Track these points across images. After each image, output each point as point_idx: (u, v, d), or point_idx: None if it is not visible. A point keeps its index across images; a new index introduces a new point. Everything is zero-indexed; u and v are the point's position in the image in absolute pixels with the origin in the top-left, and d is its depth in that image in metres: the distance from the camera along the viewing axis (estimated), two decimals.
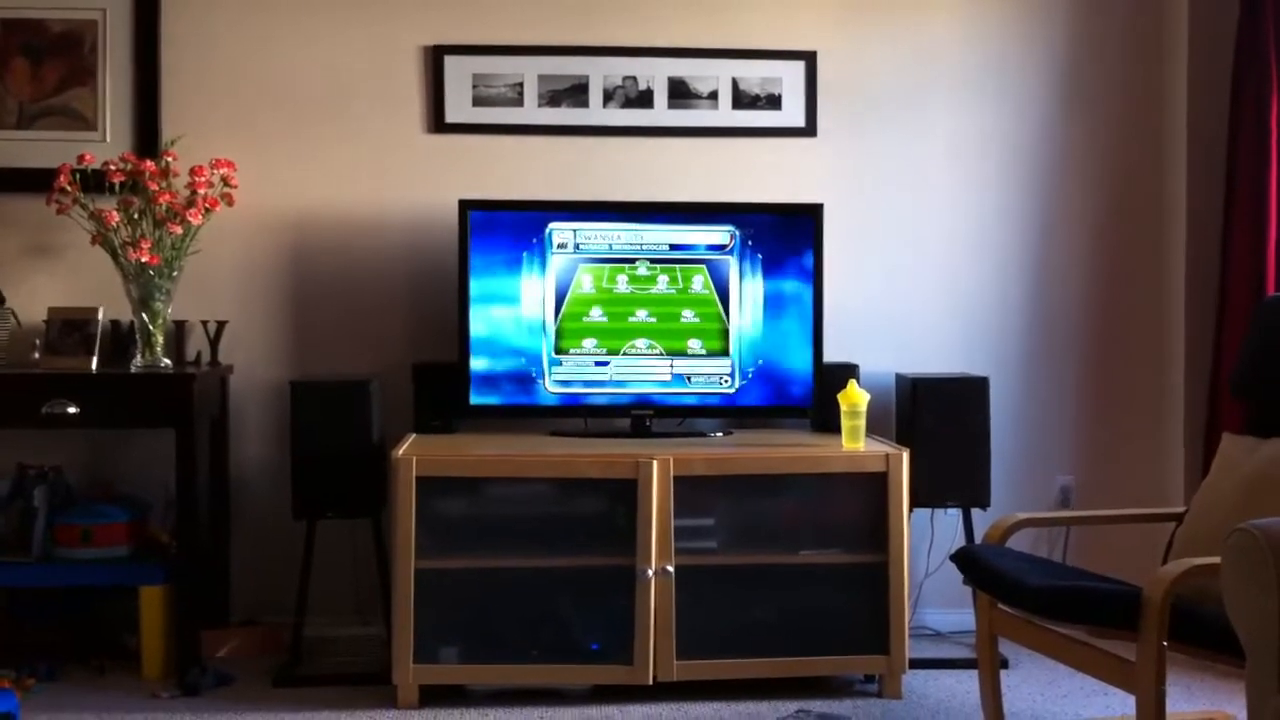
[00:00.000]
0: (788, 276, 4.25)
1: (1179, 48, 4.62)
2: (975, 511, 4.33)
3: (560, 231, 4.22)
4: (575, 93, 4.52)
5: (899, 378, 4.43)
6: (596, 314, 4.23)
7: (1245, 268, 4.36)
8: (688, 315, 4.25)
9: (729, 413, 4.34)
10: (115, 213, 4.08)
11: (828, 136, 4.59)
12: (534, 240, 4.21)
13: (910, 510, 3.98)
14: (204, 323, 4.36)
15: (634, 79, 4.54)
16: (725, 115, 4.57)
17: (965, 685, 4.00)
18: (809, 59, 4.57)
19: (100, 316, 4.17)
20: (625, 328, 4.23)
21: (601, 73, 4.53)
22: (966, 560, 3.51)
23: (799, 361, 4.26)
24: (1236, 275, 4.39)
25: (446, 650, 3.83)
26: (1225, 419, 4.22)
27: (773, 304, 4.26)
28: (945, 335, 4.63)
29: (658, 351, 4.24)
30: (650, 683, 3.80)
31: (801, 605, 3.91)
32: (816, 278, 4.25)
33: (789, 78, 4.57)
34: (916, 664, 4.08)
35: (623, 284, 4.24)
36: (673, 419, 4.32)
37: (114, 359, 4.24)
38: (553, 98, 4.52)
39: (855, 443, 3.98)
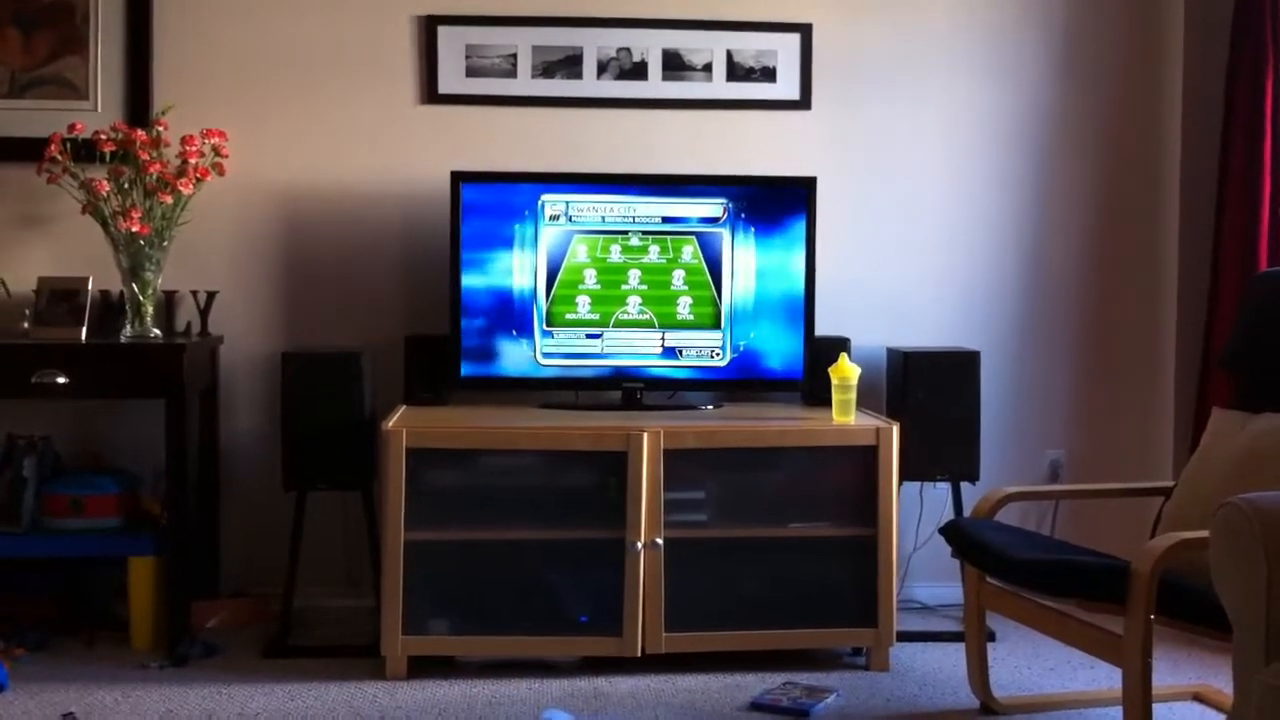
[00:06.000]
0: (780, 249, 4.24)
1: (1175, 21, 4.61)
2: (964, 485, 4.34)
3: (553, 203, 4.21)
4: (569, 64, 4.51)
5: (890, 351, 4.43)
6: (589, 286, 4.22)
7: (1238, 243, 4.36)
8: (679, 288, 4.24)
9: (720, 386, 4.33)
10: (106, 182, 4.06)
11: (822, 109, 4.58)
12: (526, 212, 4.20)
13: (900, 484, 3.99)
14: (194, 293, 4.35)
15: (628, 50, 4.52)
16: (719, 88, 4.55)
17: (952, 658, 4.01)
18: (804, 31, 4.55)
19: (90, 286, 4.16)
20: (617, 298, 4.22)
21: (595, 44, 4.51)
22: (955, 533, 3.52)
23: (790, 335, 4.25)
24: (1229, 250, 4.39)
25: (436, 622, 3.84)
26: (1215, 394, 4.23)
27: (764, 277, 4.25)
28: (937, 309, 4.63)
29: (649, 324, 4.24)
30: (639, 655, 3.81)
31: (790, 578, 3.92)
32: (809, 251, 4.24)
33: (784, 50, 4.56)
34: (904, 637, 4.10)
35: (615, 256, 4.23)
36: (663, 392, 4.33)
37: (103, 329, 4.22)
38: (546, 69, 4.50)
39: (845, 416, 3.98)
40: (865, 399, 4.19)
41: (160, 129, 4.16)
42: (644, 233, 4.24)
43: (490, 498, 3.93)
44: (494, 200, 4.20)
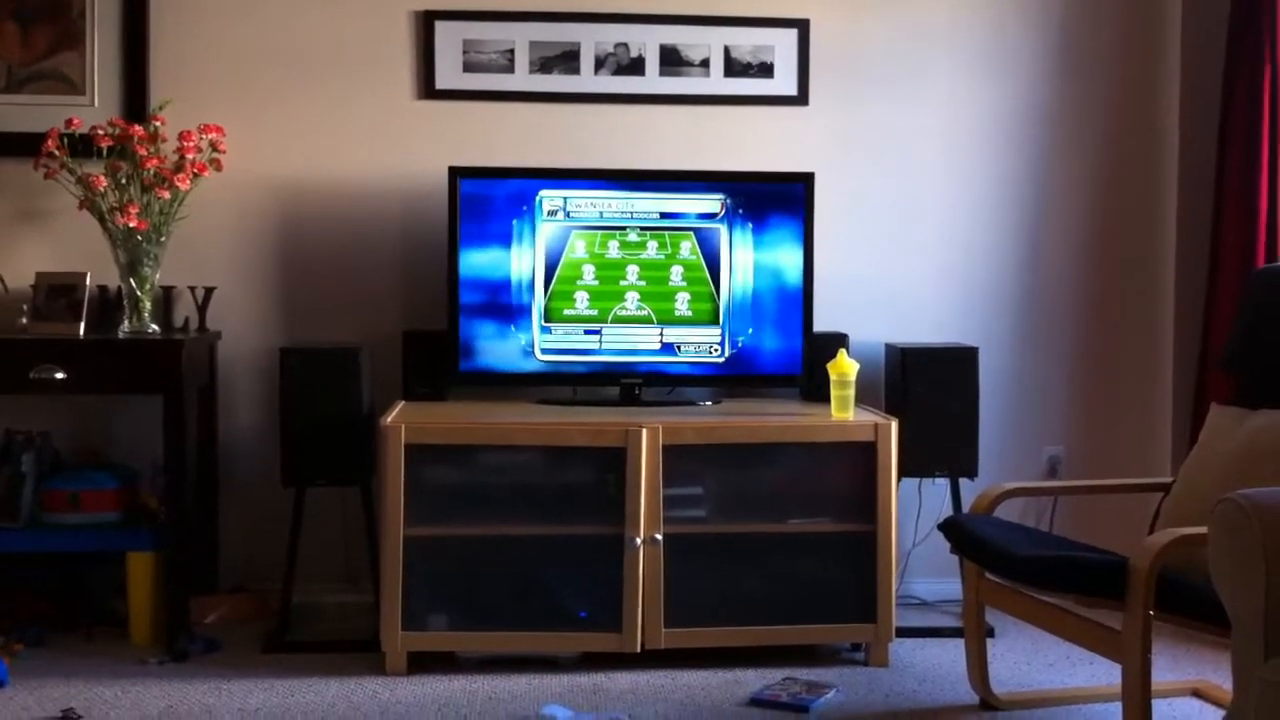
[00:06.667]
0: (778, 245, 4.24)
1: (1173, 20, 4.61)
2: (963, 481, 4.34)
3: (550, 199, 4.21)
4: (566, 59, 4.50)
5: (888, 347, 4.43)
6: (587, 282, 4.22)
7: (1236, 239, 4.36)
8: (677, 284, 4.24)
9: (718, 382, 4.33)
10: (103, 177, 4.06)
11: (820, 105, 4.58)
12: (524, 208, 4.20)
13: (899, 480, 3.99)
14: (192, 289, 4.34)
15: (625, 46, 4.51)
16: (717, 83, 4.55)
17: (951, 654, 4.01)
18: (802, 27, 4.55)
19: (88, 282, 4.15)
20: (615, 294, 4.22)
21: (593, 39, 4.51)
22: (954, 529, 3.52)
23: (788, 331, 4.25)
24: (1227, 247, 4.39)
25: (435, 617, 3.84)
26: (1213, 390, 4.23)
27: (762, 273, 4.25)
28: (935, 305, 4.63)
29: (647, 320, 4.24)
30: (638, 650, 3.81)
31: (789, 574, 3.92)
32: (807, 247, 4.24)
33: (781, 46, 4.55)
34: (903, 632, 4.10)
35: (613, 251, 4.23)
36: (662, 388, 4.33)
37: (101, 325, 4.22)
38: (544, 64, 4.49)
39: (844, 412, 3.98)
40: (864, 395, 4.19)
41: (158, 124, 4.16)
42: (642, 228, 4.23)
43: (489, 493, 3.93)
44: (492, 195, 4.20)
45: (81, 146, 4.13)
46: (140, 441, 4.33)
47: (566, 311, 4.22)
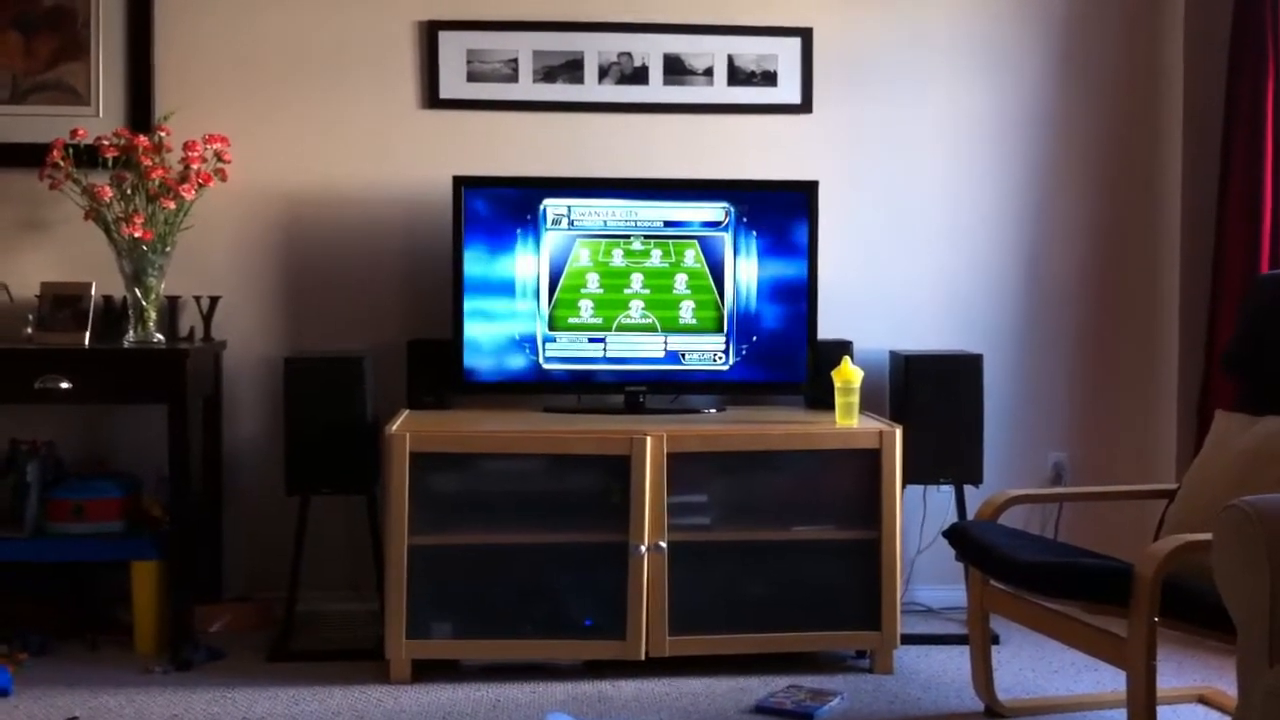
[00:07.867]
0: (782, 253, 4.25)
1: (1175, 22, 4.61)
2: (968, 488, 4.34)
3: (555, 208, 4.21)
4: (570, 69, 4.51)
5: (893, 354, 4.43)
6: (591, 290, 4.23)
7: (1239, 245, 4.36)
8: (681, 292, 4.24)
9: (723, 389, 4.33)
10: (108, 188, 4.07)
11: (823, 113, 4.58)
12: (528, 217, 4.20)
13: (903, 487, 3.98)
14: (197, 298, 4.35)
15: (629, 55, 4.52)
16: (721, 92, 4.55)
17: (956, 661, 4.01)
18: (805, 35, 4.56)
19: (93, 292, 4.17)
20: (620, 302, 4.23)
21: (596, 49, 4.51)
22: (958, 536, 3.52)
23: (793, 338, 4.25)
24: (1231, 252, 4.39)
25: (439, 625, 3.84)
26: (1218, 396, 4.23)
27: (767, 281, 4.25)
28: (939, 312, 4.63)
29: (652, 328, 4.24)
30: (643, 658, 3.81)
31: (794, 581, 3.92)
32: (811, 254, 4.24)
33: (785, 54, 4.56)
34: (908, 640, 4.09)
35: (617, 260, 4.23)
36: (666, 395, 4.33)
37: (106, 334, 4.23)
38: (547, 74, 4.50)
39: (849, 419, 3.98)
40: (868, 402, 4.19)
41: (162, 134, 4.17)
42: (646, 237, 4.24)
43: (493, 501, 3.93)
44: (496, 205, 4.20)
45: (86, 157, 4.14)
46: (144, 450, 4.34)
47: (571, 320, 4.23)
